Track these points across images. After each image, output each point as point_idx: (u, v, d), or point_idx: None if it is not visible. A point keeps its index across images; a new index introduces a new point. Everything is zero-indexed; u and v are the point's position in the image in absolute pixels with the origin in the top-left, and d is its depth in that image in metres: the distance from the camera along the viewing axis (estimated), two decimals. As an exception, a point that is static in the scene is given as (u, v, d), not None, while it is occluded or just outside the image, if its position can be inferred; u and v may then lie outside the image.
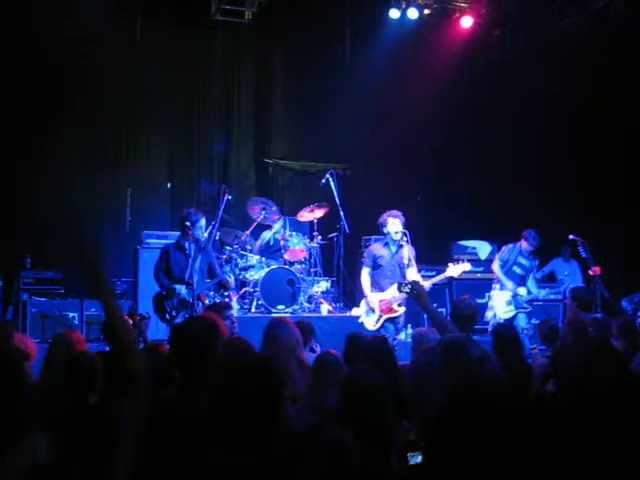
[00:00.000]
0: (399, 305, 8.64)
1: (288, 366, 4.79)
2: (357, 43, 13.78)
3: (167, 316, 8.19)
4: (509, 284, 9.67)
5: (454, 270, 8.68)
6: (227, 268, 9.29)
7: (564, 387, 3.63)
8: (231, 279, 9.03)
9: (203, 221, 8.39)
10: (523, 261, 9.88)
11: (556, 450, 2.59)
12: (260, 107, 14.26)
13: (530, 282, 9.92)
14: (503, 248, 10.06)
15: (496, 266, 9.88)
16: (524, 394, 4.78)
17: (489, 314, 9.78)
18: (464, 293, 8.21)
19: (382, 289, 8.78)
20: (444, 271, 8.86)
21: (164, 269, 8.35)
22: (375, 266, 8.89)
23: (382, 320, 8.63)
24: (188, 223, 8.28)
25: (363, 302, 8.94)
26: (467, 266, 8.75)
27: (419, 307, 10.87)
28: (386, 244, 8.91)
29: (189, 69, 13.19)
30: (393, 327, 8.62)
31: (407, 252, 8.76)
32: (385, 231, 8.88)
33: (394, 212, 8.85)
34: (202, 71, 13.41)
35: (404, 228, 8.79)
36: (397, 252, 8.82)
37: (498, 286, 9.83)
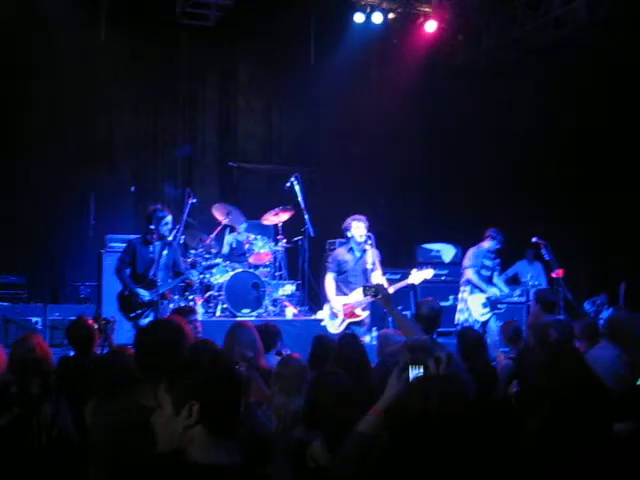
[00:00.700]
0: (363, 309, 8.64)
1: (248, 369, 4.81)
2: (322, 47, 13.80)
3: (132, 314, 8.11)
4: (490, 290, 9.72)
5: (417, 277, 8.66)
6: (194, 272, 9.22)
7: (526, 389, 3.68)
8: (195, 277, 8.96)
9: (169, 218, 8.29)
10: (487, 262, 9.94)
11: (512, 454, 2.64)
12: (224, 110, 14.23)
13: (497, 280, 9.99)
14: (468, 254, 10.03)
15: (472, 275, 9.83)
16: (487, 396, 4.83)
17: (460, 317, 9.81)
18: (428, 296, 8.25)
19: (346, 294, 8.78)
20: (408, 275, 8.88)
21: (128, 263, 8.25)
22: (340, 271, 8.89)
23: (345, 324, 8.62)
24: (154, 220, 8.22)
25: (326, 306, 8.93)
26: (430, 273, 8.70)
27: (384, 310, 10.97)
28: (350, 249, 8.89)
29: (153, 72, 13.12)
30: (358, 330, 8.62)
31: (371, 256, 8.76)
32: (349, 235, 8.86)
33: (358, 216, 8.85)
34: (167, 74, 13.34)
35: (368, 231, 8.80)
36: (361, 257, 8.82)
37: (468, 288, 9.84)
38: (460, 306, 9.94)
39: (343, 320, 8.60)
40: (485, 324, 9.60)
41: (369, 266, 8.70)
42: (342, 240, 9.71)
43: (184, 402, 2.48)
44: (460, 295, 10.02)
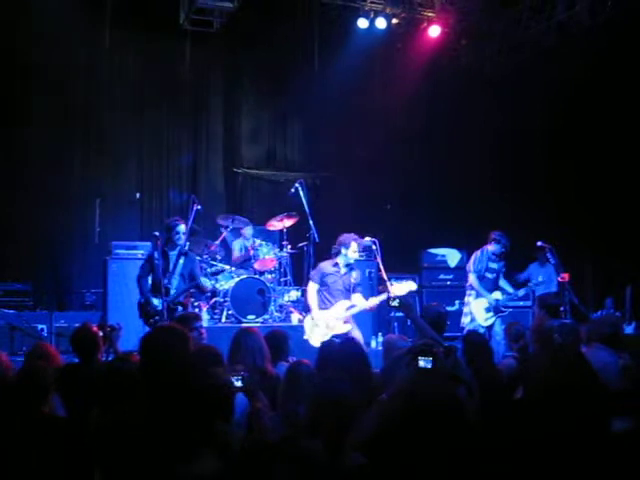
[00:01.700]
0: (344, 323, 8.61)
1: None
2: (326, 53, 13.79)
3: (152, 320, 8.21)
4: (488, 297, 9.71)
5: (399, 289, 8.55)
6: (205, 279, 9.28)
7: (532, 394, 3.66)
8: (208, 283, 9.04)
9: (182, 227, 8.50)
10: (493, 265, 9.92)
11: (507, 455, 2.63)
12: (229, 117, 14.24)
13: (502, 282, 9.98)
14: (473, 258, 10.01)
15: (474, 280, 9.84)
16: (493, 399, 4.82)
17: (465, 320, 9.81)
18: (434, 300, 8.27)
19: (327, 307, 8.74)
20: (414, 279, 8.87)
21: (148, 271, 8.39)
22: (322, 284, 8.84)
23: (328, 337, 8.52)
24: (170, 229, 8.46)
25: (308, 318, 8.87)
26: (412, 285, 8.62)
27: (390, 315, 10.95)
28: (336, 264, 8.85)
29: (158, 78, 13.14)
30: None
31: (356, 275, 8.81)
32: (343, 251, 8.79)
33: (357, 237, 8.84)
34: (171, 80, 13.36)
35: (373, 237, 8.80)
36: (346, 274, 8.79)
37: (474, 293, 9.84)
38: (465, 310, 9.94)
39: (325, 334, 8.53)
40: (490, 328, 9.58)
41: (353, 281, 8.73)
42: (335, 251, 9.50)
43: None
44: (466, 299, 10.01)
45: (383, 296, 8.71)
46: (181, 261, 8.42)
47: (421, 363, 3.59)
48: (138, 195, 12.32)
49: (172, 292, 8.30)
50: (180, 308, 8.33)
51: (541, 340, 5.87)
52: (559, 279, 10.13)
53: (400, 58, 13.75)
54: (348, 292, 8.69)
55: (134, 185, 13.04)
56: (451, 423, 2.35)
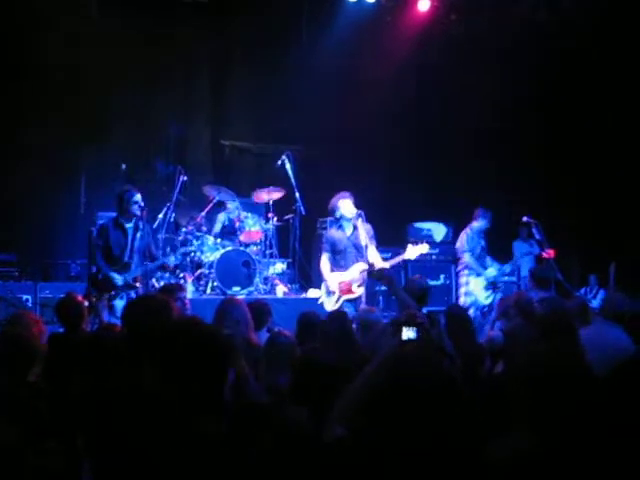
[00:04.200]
0: (358, 286, 8.65)
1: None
2: (314, 25, 13.70)
3: (107, 295, 8.07)
4: (485, 274, 9.78)
5: (412, 252, 8.67)
6: (172, 257, 9.11)
7: (511, 366, 3.69)
8: (171, 260, 8.90)
9: (138, 196, 8.21)
10: (483, 242, 10.02)
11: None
12: (217, 88, 14.16)
13: (487, 258, 10.06)
14: (463, 237, 10.03)
15: (469, 258, 9.87)
16: (473, 373, 4.86)
17: (467, 300, 9.86)
18: (419, 274, 8.30)
19: (342, 272, 8.78)
20: (400, 253, 8.89)
21: (102, 248, 8.17)
22: (334, 250, 8.86)
23: (341, 301, 8.64)
24: (124, 200, 8.18)
25: (323, 285, 8.93)
26: (425, 248, 8.73)
27: (377, 288, 10.98)
28: (340, 227, 8.86)
29: (146, 49, 13.02)
30: (352, 307, 8.61)
31: (363, 232, 8.70)
32: (338, 215, 8.78)
33: (343, 193, 8.79)
34: (159, 50, 13.23)
35: (358, 208, 8.76)
36: (352, 233, 8.78)
37: (472, 272, 9.90)
38: (463, 290, 9.99)
39: (339, 297, 8.61)
40: (491, 305, 9.63)
41: (363, 242, 8.67)
42: (332, 219, 9.65)
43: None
44: (462, 279, 10.05)
45: (395, 260, 8.77)
46: (138, 235, 8.17)
47: (406, 333, 3.60)
48: (124, 165, 12.23)
49: (132, 268, 8.11)
50: (138, 285, 8.18)
51: (522, 313, 5.89)
52: (544, 255, 10.18)
53: (389, 32, 13.66)
54: (361, 252, 8.67)
55: (120, 156, 12.95)
56: (438, 395, 2.35)
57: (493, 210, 10.10)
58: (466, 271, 9.96)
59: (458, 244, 10.12)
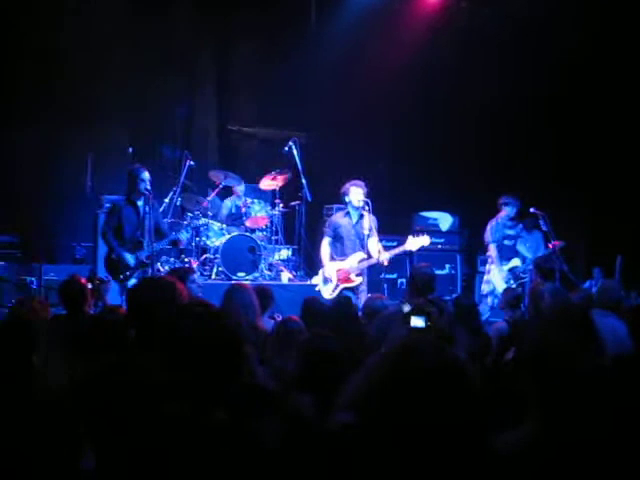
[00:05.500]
0: (357, 275, 8.63)
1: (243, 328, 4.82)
2: (322, 12, 13.67)
3: (121, 276, 8.09)
4: (502, 268, 9.85)
5: (413, 243, 8.65)
6: (184, 232, 9.10)
7: (520, 355, 3.66)
8: (183, 236, 8.89)
9: (146, 174, 8.27)
10: (509, 231, 10.05)
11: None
12: (223, 74, 14.10)
13: (520, 247, 10.11)
14: (489, 228, 10.12)
15: (493, 249, 10.00)
16: (480, 361, 4.83)
17: (485, 288, 10.01)
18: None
19: (342, 259, 8.77)
20: (404, 242, 8.86)
21: (114, 227, 8.22)
22: (336, 236, 8.87)
23: (339, 289, 8.62)
24: (134, 178, 8.25)
25: (321, 271, 8.94)
26: (426, 240, 8.70)
27: (380, 276, 10.94)
28: (347, 213, 8.88)
29: (153, 33, 12.94)
30: (353, 296, 8.59)
31: (368, 222, 8.71)
32: (347, 200, 8.85)
33: (356, 181, 8.84)
34: (166, 35, 13.16)
35: (366, 197, 8.76)
36: (358, 222, 8.79)
37: (490, 260, 10.02)
38: (485, 277, 10.19)
39: (337, 285, 8.60)
40: None
41: (366, 232, 8.67)
42: (340, 206, 9.69)
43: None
44: (487, 266, 10.25)
45: (395, 250, 8.76)
46: (148, 212, 8.18)
47: (414, 321, 3.56)
48: (131, 149, 12.18)
49: (145, 246, 8.14)
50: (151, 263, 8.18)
51: (534, 302, 5.89)
52: (550, 246, 10.17)
53: (398, 18, 13.59)
54: (362, 241, 8.66)
55: (127, 139, 12.90)
56: (447, 383, 2.31)
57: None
58: (490, 260, 10.11)
59: (485, 236, 10.21)
